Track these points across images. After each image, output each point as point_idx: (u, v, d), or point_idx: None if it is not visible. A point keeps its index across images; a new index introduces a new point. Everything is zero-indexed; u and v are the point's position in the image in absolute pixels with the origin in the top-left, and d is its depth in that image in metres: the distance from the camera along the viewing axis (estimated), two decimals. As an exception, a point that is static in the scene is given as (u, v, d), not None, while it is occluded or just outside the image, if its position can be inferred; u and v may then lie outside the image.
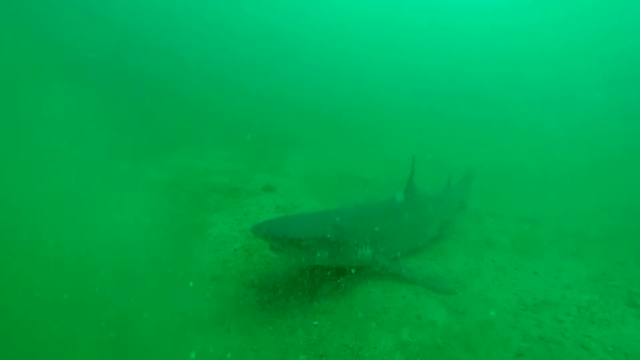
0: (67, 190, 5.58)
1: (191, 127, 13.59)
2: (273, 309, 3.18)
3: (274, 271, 3.81)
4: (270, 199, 6.33)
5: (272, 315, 3.09)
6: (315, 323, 3.03)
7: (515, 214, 7.02)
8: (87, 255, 3.67)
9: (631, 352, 3.01)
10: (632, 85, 25.74)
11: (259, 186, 7.03)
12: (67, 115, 11.45)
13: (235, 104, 18.66)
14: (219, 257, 4.02)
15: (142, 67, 20.65)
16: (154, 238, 4.26)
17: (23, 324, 2.67)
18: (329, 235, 3.29)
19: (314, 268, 3.90)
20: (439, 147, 13.92)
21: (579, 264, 4.72)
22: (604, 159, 13.43)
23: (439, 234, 5.13)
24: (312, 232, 3.28)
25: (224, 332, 2.87)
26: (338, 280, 3.72)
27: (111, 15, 23.15)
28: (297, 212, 5.91)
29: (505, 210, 7.42)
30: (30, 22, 17.33)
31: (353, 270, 3.85)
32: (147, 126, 12.44)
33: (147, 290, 3.28)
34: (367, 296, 3.49)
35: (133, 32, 23.41)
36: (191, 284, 3.44)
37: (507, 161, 12.93)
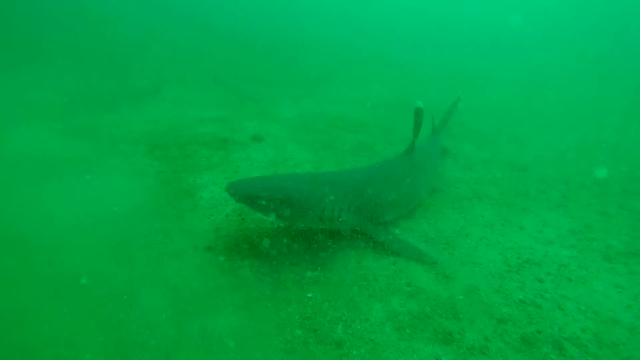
0: (42, 152, 5.36)
1: (175, 68, 12.80)
2: (269, 281, 3.28)
3: (267, 238, 3.86)
4: (260, 151, 6.20)
5: (268, 288, 3.19)
6: (310, 295, 3.15)
7: (505, 160, 7.05)
8: (70, 228, 3.65)
9: (601, 309, 3.25)
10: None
11: (247, 136, 6.83)
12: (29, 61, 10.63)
13: (220, 44, 17.44)
14: (211, 224, 4.03)
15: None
16: (143, 205, 4.22)
17: (17, 304, 2.73)
18: (295, 197, 3.41)
19: (306, 233, 3.97)
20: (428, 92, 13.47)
21: (563, 217, 4.87)
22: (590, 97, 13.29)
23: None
24: (278, 192, 3.40)
25: (223, 307, 2.97)
26: (333, 246, 3.82)
27: None
28: (288, 165, 5.85)
29: (495, 155, 7.44)
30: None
31: (346, 234, 3.94)
32: (127, 69, 11.67)
33: (140, 264, 3.32)
34: (359, 264, 3.61)
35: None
36: (185, 256, 3.48)
37: (498, 101, 12.68)
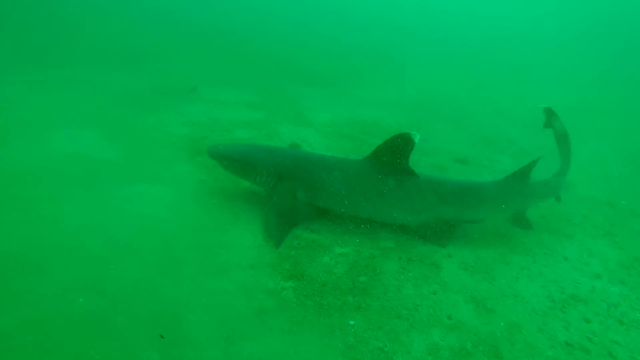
0: (82, 158, 5.58)
1: (206, 68, 13.00)
2: (311, 304, 3.34)
3: (307, 257, 3.92)
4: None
5: (310, 312, 3.25)
6: (352, 323, 3.19)
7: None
8: (115, 238, 3.78)
9: (657, 359, 3.13)
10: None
11: (285, 143, 6.90)
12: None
13: (253, 40, 17.57)
14: (254, 240, 4.12)
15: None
16: (185, 216, 4.36)
17: (67, 319, 2.89)
18: (244, 160, 4.47)
19: (347, 256, 4.00)
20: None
21: (611, 247, 4.69)
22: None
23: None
24: (238, 155, 4.50)
25: (267, 330, 3.06)
26: (373, 271, 3.84)
27: None
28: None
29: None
30: None
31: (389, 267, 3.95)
32: (160, 70, 11.96)
33: (186, 279, 3.44)
34: (399, 291, 3.62)
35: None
36: (229, 273, 3.59)
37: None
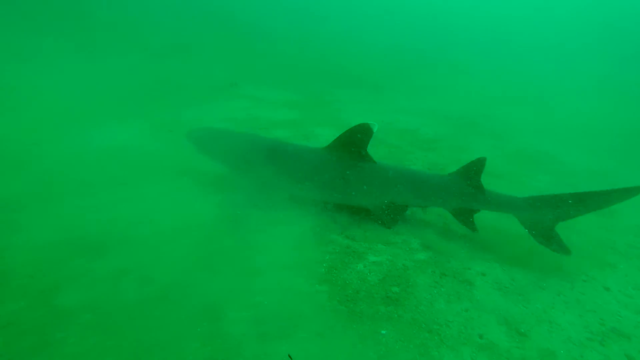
0: (128, 151, 5.89)
1: (245, 66, 13.34)
2: (344, 310, 3.43)
3: (341, 262, 4.02)
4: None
5: (343, 318, 3.35)
6: (383, 332, 3.26)
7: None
8: (158, 232, 4.01)
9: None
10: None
11: (322, 145, 6.99)
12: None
13: (295, 40, 17.79)
14: (291, 242, 4.26)
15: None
16: (226, 215, 4.56)
17: (118, 308, 3.12)
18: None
19: (381, 265, 4.06)
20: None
21: (658, 281, 4.48)
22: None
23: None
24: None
25: (302, 332, 3.18)
26: (406, 282, 3.88)
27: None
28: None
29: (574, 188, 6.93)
30: None
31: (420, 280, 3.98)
32: (202, 66, 12.36)
33: (226, 277, 3.62)
34: (431, 305, 3.64)
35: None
36: (266, 274, 3.74)
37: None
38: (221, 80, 11.31)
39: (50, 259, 3.36)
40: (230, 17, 19.73)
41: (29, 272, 3.14)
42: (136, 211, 4.33)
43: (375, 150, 7.34)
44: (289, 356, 2.83)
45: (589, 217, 5.96)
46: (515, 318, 3.61)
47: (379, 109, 10.60)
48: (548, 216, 4.46)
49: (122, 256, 3.57)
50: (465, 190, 4.63)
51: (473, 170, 4.52)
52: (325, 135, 7.74)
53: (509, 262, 4.45)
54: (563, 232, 5.29)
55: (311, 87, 11.73)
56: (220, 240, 4.04)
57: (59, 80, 8.87)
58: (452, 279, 4.05)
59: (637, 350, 3.42)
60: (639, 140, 10.04)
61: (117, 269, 3.41)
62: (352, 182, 4.68)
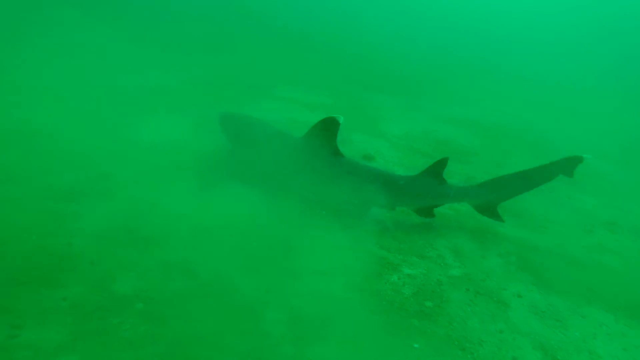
0: (172, 146, 6.12)
1: (282, 68, 13.55)
2: (377, 319, 3.49)
3: (376, 273, 4.08)
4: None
5: (377, 327, 3.41)
6: (416, 346, 3.30)
7: (634, 223, 6.27)
8: (203, 230, 4.16)
9: None
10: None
11: (358, 153, 7.08)
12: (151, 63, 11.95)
13: (334, 43, 17.91)
14: (329, 248, 4.36)
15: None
16: (267, 216, 4.70)
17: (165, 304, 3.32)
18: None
19: (415, 279, 4.09)
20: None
21: None
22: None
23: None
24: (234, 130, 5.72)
25: (335, 336, 3.26)
26: (440, 297, 3.90)
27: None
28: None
29: (625, 213, 6.65)
30: None
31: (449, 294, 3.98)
32: (243, 65, 12.66)
33: (266, 277, 3.74)
34: (465, 322, 3.64)
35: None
36: (303, 277, 3.85)
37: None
38: (258, 80, 11.57)
39: (106, 247, 3.61)
40: (267, 18, 20.08)
41: (89, 258, 3.40)
42: (180, 205, 4.55)
43: (410, 160, 7.33)
44: None
45: (635, 242, 5.76)
46: (552, 344, 3.55)
47: (415, 116, 10.53)
48: (493, 199, 5.04)
49: (168, 249, 3.78)
50: (431, 189, 4.91)
51: (437, 170, 4.83)
52: (360, 141, 7.79)
53: (546, 286, 4.35)
54: (607, 258, 5.13)
55: (347, 91, 11.80)
56: (259, 240, 4.19)
57: (106, 75, 9.37)
58: (487, 298, 4.02)
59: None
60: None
61: (164, 262, 3.62)
62: (319, 173, 5.02)
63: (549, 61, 23.24)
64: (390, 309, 3.64)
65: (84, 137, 6.04)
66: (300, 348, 3.09)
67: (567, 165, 4.67)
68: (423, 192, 4.93)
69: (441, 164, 4.79)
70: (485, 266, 4.58)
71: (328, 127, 4.81)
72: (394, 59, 18.12)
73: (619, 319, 4.04)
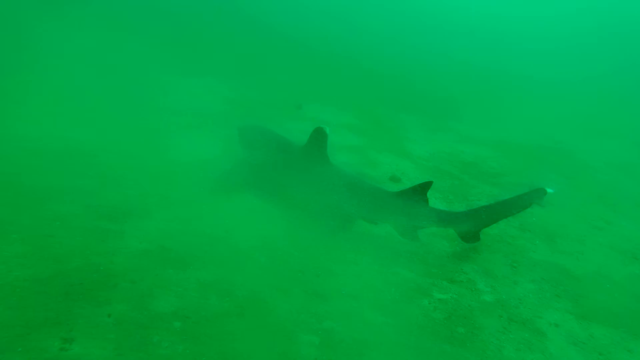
0: (202, 166, 6.35)
1: (314, 83, 13.87)
2: (409, 345, 3.47)
3: (406, 296, 4.07)
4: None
5: (409, 353, 3.38)
6: (449, 374, 3.25)
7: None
8: (238, 249, 4.30)
9: None
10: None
11: (385, 174, 7.13)
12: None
13: (361, 62, 18.22)
14: (357, 271, 4.39)
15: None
16: (296, 239, 4.78)
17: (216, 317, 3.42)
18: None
19: (445, 305, 4.05)
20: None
21: None
22: None
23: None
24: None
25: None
26: (475, 324, 3.83)
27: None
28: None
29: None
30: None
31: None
32: (269, 83, 13.06)
33: (297, 298, 3.82)
34: (499, 351, 3.55)
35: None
36: (332, 299, 3.88)
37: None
38: (285, 99, 11.87)
39: (145, 266, 3.78)
40: (298, 38, 20.64)
41: (130, 277, 3.57)
42: (214, 225, 4.72)
43: (437, 182, 7.29)
44: None
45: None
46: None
47: (441, 136, 10.49)
48: (477, 225, 4.97)
49: (204, 269, 3.92)
50: (412, 209, 4.88)
51: (419, 190, 4.84)
52: (386, 162, 7.83)
53: (586, 316, 4.19)
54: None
55: (375, 111, 11.93)
56: (290, 261, 4.28)
57: (140, 95, 9.88)
58: (521, 325, 3.92)
59: None
60: None
61: (200, 281, 3.75)
62: (308, 179, 5.42)
63: (580, 74, 22.66)
64: (422, 333, 3.62)
65: (123, 157, 6.39)
66: (333, 371, 3.11)
67: (536, 196, 4.98)
68: (404, 211, 4.92)
69: (425, 185, 4.83)
70: (518, 292, 4.47)
71: (318, 137, 5.40)
72: (418, 75, 18.19)
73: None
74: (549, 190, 4.87)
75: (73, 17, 13.03)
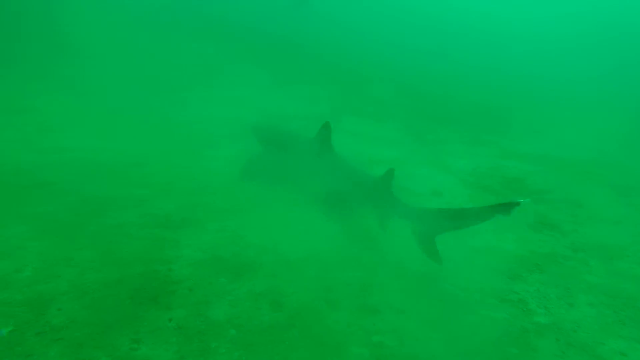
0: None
1: (354, 95, 14.05)
2: (460, 366, 3.40)
3: (453, 313, 4.00)
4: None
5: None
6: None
7: None
8: (287, 262, 4.40)
9: None
10: None
11: (426, 188, 7.07)
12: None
13: (400, 74, 18.28)
14: (405, 286, 4.37)
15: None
16: (342, 251, 4.84)
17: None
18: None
19: (496, 324, 3.94)
20: None
21: None
22: None
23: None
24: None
25: (417, 379, 3.23)
26: (529, 345, 3.70)
27: None
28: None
29: None
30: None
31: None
32: (307, 94, 13.35)
33: (345, 311, 3.84)
34: (557, 376, 3.41)
35: None
36: (382, 312, 3.88)
37: None
38: (325, 111, 12.06)
39: (200, 275, 3.95)
40: (338, 50, 20.98)
41: (187, 285, 3.75)
42: (262, 236, 4.85)
43: (480, 198, 7.14)
44: None
45: None
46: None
47: (482, 151, 10.26)
48: (432, 228, 4.79)
49: (255, 279, 4.04)
50: (379, 194, 5.39)
51: (386, 179, 5.34)
52: (427, 176, 7.76)
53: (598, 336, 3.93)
54: None
55: (414, 124, 11.90)
56: (338, 274, 4.32)
57: (184, 109, 10.37)
58: (581, 351, 3.73)
59: None
60: None
61: (252, 291, 3.87)
62: (311, 166, 6.31)
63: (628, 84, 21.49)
64: (472, 351, 3.53)
65: (170, 167, 6.74)
66: (385, 387, 3.10)
67: (507, 209, 4.36)
68: (375, 197, 5.50)
69: (390, 173, 5.32)
70: (574, 316, 4.26)
71: (325, 130, 6.10)
72: (456, 88, 17.95)
73: None
74: (522, 201, 4.34)
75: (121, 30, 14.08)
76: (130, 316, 3.20)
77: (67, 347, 2.78)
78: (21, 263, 3.53)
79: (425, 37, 29.74)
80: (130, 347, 2.90)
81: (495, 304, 4.30)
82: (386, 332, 3.63)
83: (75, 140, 7.12)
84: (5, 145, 6.56)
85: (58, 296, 3.28)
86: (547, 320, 4.13)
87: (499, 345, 3.68)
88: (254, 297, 3.78)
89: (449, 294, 4.35)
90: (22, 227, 4.11)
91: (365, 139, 10.02)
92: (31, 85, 9.62)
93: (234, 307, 3.60)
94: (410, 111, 13.46)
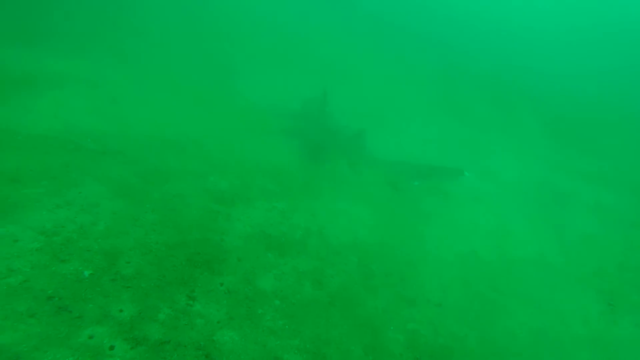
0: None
1: (370, 112, 13.99)
2: (493, 364, 3.45)
3: (489, 315, 4.02)
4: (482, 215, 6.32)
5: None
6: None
7: None
8: (333, 247, 4.60)
9: None
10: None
11: (469, 194, 7.01)
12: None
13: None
14: (442, 281, 4.45)
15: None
16: (389, 240, 4.97)
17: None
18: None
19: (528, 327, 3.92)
20: None
21: None
22: None
23: None
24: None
25: (449, 371, 3.32)
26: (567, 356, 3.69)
27: None
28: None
29: None
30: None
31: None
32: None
33: (382, 300, 3.98)
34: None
35: None
36: (418, 305, 3.98)
37: None
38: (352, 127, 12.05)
39: (249, 248, 4.23)
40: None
41: (237, 255, 4.03)
42: (308, 220, 5.07)
43: (524, 210, 6.98)
44: None
45: None
46: None
47: (533, 162, 9.96)
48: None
49: (299, 258, 4.27)
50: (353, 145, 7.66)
51: (359, 135, 8.22)
52: (472, 186, 7.67)
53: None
54: None
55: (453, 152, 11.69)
56: (378, 263, 4.47)
57: (245, 94, 10.76)
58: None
59: None
60: None
61: (295, 268, 4.10)
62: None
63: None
64: (504, 353, 3.56)
65: (227, 147, 7.11)
66: (417, 371, 3.22)
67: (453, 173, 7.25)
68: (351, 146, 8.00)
69: (362, 132, 8.14)
70: (617, 333, 4.16)
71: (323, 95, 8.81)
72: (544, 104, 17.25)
73: None
74: (466, 174, 6.90)
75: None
76: (187, 276, 3.51)
77: (135, 295, 3.13)
78: (97, 218, 3.95)
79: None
80: (186, 303, 3.21)
81: (533, 312, 4.27)
82: (420, 322, 3.74)
83: (140, 113, 7.67)
84: (79, 113, 7.20)
85: (126, 250, 3.65)
86: (585, 331, 4.05)
87: (533, 350, 3.69)
88: (298, 274, 4.00)
89: (481, 296, 4.36)
90: (99, 187, 4.57)
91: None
92: (104, 60, 10.40)
93: (279, 280, 3.85)
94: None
